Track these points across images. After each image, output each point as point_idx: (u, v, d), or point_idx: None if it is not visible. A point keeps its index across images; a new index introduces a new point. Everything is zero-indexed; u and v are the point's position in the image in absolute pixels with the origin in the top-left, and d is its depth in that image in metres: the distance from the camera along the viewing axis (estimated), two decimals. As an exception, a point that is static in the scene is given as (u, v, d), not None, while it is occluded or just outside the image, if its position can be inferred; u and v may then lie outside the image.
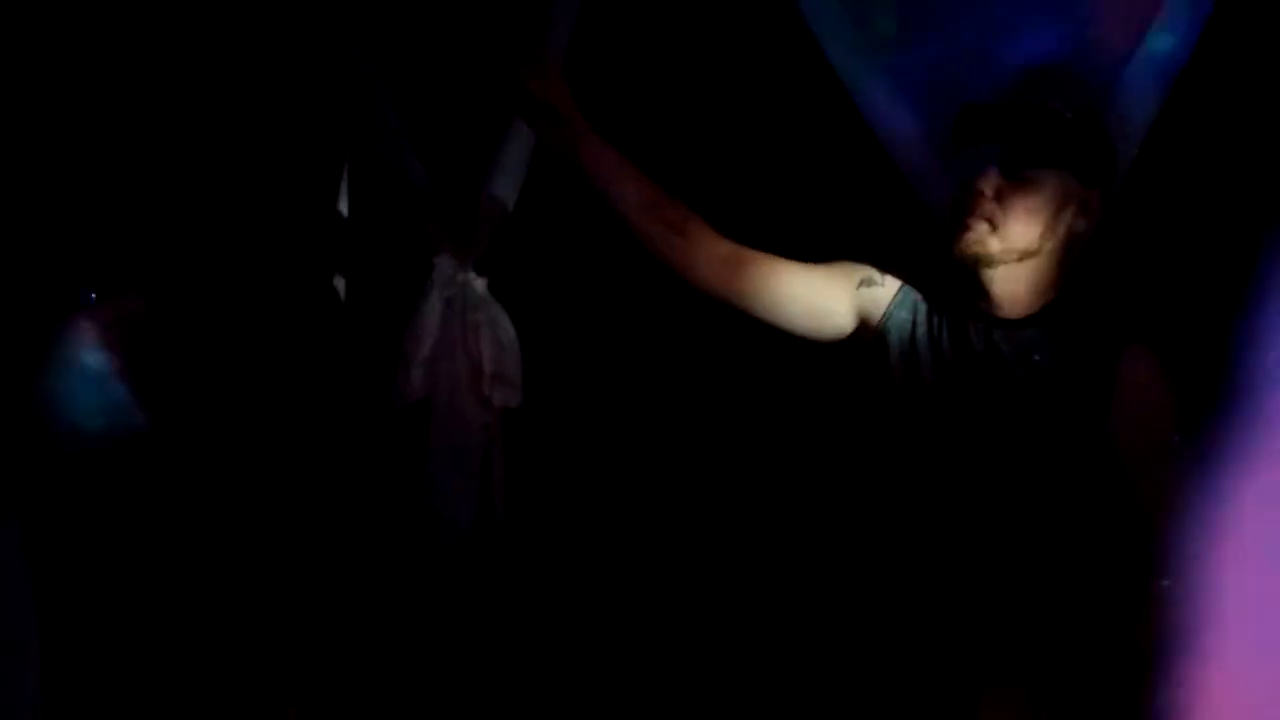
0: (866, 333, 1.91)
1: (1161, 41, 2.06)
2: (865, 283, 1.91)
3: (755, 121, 2.73)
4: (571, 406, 2.96)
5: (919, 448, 1.86)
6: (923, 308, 1.89)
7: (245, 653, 2.66)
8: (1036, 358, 1.78)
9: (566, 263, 2.96)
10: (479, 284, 2.92)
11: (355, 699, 2.75)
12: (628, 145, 2.07)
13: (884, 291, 1.91)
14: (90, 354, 1.94)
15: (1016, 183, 1.72)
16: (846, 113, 2.27)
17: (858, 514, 2.13)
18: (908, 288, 1.93)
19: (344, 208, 3.10)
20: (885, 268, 1.95)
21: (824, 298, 1.90)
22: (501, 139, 2.80)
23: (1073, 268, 1.86)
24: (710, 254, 1.91)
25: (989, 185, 1.72)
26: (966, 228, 1.74)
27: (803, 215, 2.60)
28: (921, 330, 1.87)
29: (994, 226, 1.73)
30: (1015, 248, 1.73)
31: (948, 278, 1.88)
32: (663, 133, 2.72)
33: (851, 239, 2.29)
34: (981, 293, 1.83)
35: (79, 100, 2.56)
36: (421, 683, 2.81)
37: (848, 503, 2.28)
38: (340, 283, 3.09)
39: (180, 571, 2.66)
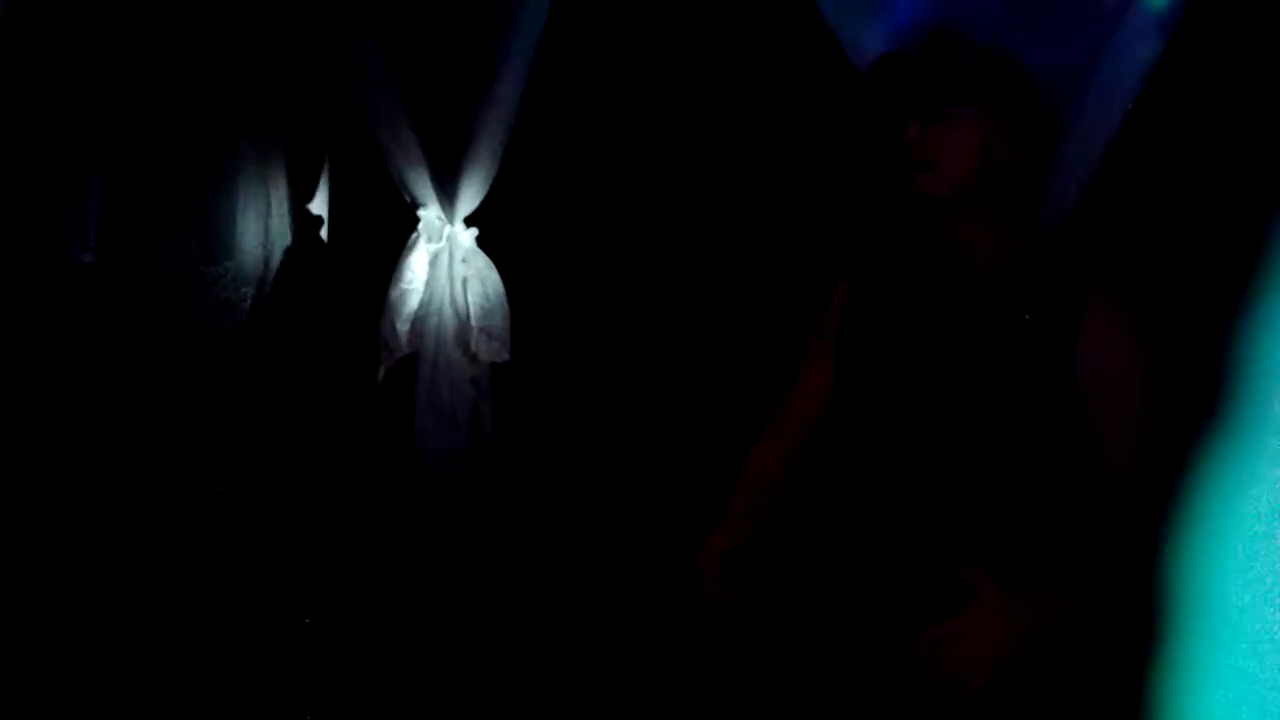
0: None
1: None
2: (819, 323, 1.97)
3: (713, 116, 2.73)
4: (560, 362, 2.95)
5: (881, 408, 1.86)
6: (879, 289, 1.90)
7: (212, 608, 2.66)
8: (1002, 310, 1.78)
9: (555, 216, 2.94)
10: (467, 236, 2.90)
11: (333, 659, 2.76)
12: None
13: (833, 307, 1.96)
14: None
15: (938, 122, 1.75)
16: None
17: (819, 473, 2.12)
18: (855, 283, 1.95)
19: (329, 158, 3.06)
20: (826, 278, 1.99)
21: (827, 370, 1.97)
22: (489, 91, 2.77)
23: (1028, 211, 1.87)
24: (796, 445, 2.00)
25: (914, 132, 1.75)
26: (909, 177, 1.77)
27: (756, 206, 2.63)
28: (880, 309, 1.88)
29: (932, 167, 1.75)
30: (957, 181, 1.76)
31: (908, 247, 1.89)
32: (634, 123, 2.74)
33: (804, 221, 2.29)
34: (943, 249, 1.83)
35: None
36: (407, 639, 2.81)
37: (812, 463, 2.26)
38: (325, 234, 3.06)
39: (157, 528, 2.65)
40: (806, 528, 1.93)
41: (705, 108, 2.75)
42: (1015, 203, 1.81)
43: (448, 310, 2.90)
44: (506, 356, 2.90)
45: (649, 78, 2.79)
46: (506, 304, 2.90)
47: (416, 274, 2.92)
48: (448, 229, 2.90)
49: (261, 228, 2.78)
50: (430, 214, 2.91)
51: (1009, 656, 1.58)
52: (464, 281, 2.89)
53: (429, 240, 2.91)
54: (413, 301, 2.92)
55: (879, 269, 1.93)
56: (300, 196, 2.91)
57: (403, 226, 2.93)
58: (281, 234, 2.84)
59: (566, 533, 2.91)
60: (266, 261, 2.79)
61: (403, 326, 2.91)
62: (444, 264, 2.90)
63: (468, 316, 2.89)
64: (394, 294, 2.92)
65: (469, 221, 2.89)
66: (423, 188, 2.90)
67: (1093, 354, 1.70)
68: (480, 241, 2.90)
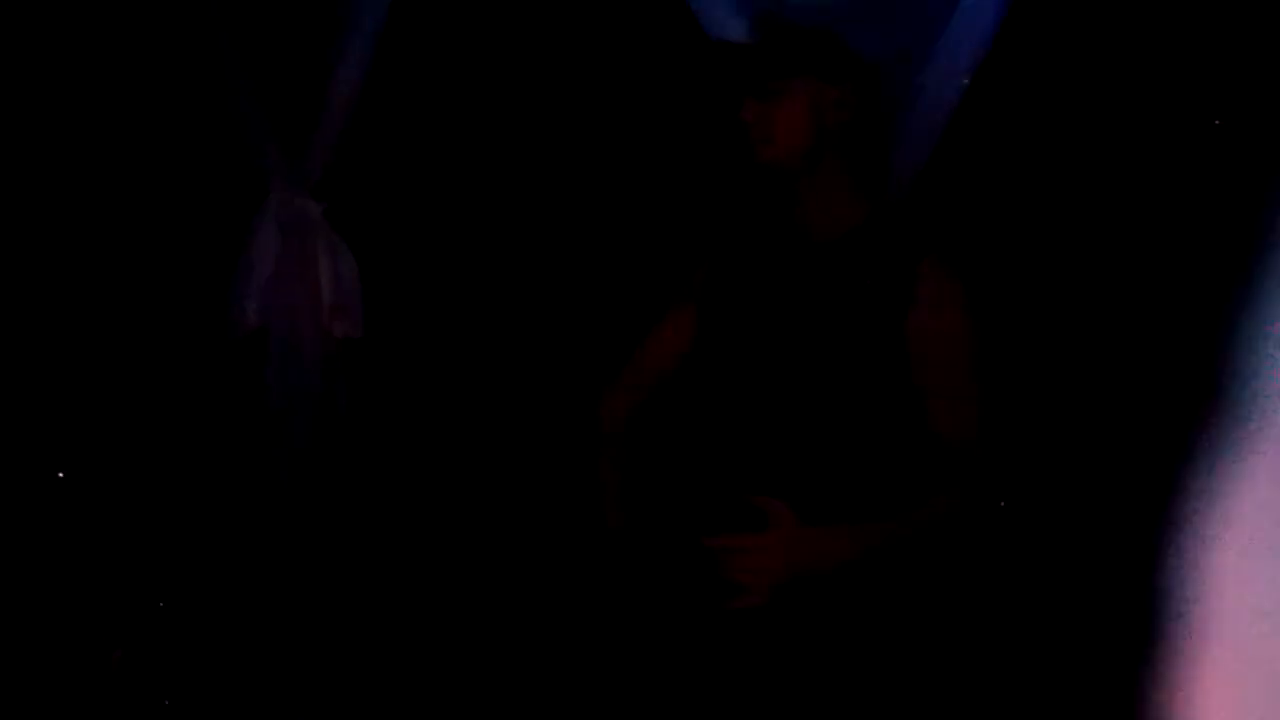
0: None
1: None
2: (685, 287, 2.07)
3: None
4: (415, 336, 2.92)
5: (731, 371, 1.94)
6: (733, 257, 1.99)
7: (68, 594, 2.58)
8: (841, 278, 1.87)
9: (407, 187, 2.90)
10: (316, 210, 2.83)
11: (188, 640, 2.70)
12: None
13: (698, 276, 2.06)
14: None
15: (769, 99, 1.89)
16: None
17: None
18: (716, 254, 2.02)
19: (174, 128, 2.96)
20: (695, 248, 2.06)
21: (687, 329, 2.06)
22: (337, 57, 2.71)
23: (873, 181, 1.96)
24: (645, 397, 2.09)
25: (750, 111, 1.90)
26: (753, 151, 1.91)
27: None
28: (735, 280, 1.96)
29: (771, 139, 1.89)
30: (794, 148, 1.89)
31: (760, 220, 1.97)
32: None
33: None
34: (790, 222, 1.91)
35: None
36: (259, 621, 2.77)
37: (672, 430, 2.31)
38: (171, 207, 2.96)
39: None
40: (670, 468, 2.07)
41: (569, 80, 2.74)
42: (857, 169, 1.92)
43: (298, 286, 2.83)
44: (359, 332, 2.85)
45: (509, 47, 2.77)
46: (359, 279, 2.85)
47: (265, 247, 2.85)
48: (297, 200, 2.83)
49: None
50: (279, 185, 2.84)
51: (792, 578, 1.77)
52: (314, 256, 2.83)
53: (278, 212, 2.84)
54: (261, 276, 2.85)
55: (736, 241, 2.00)
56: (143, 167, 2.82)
57: (251, 198, 2.85)
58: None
59: (424, 509, 2.89)
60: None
61: (250, 302, 2.84)
62: (294, 238, 2.84)
63: (319, 291, 2.83)
64: (241, 268, 2.85)
65: (319, 194, 2.83)
66: (271, 157, 2.83)
67: (922, 318, 1.83)
68: (330, 214, 2.84)
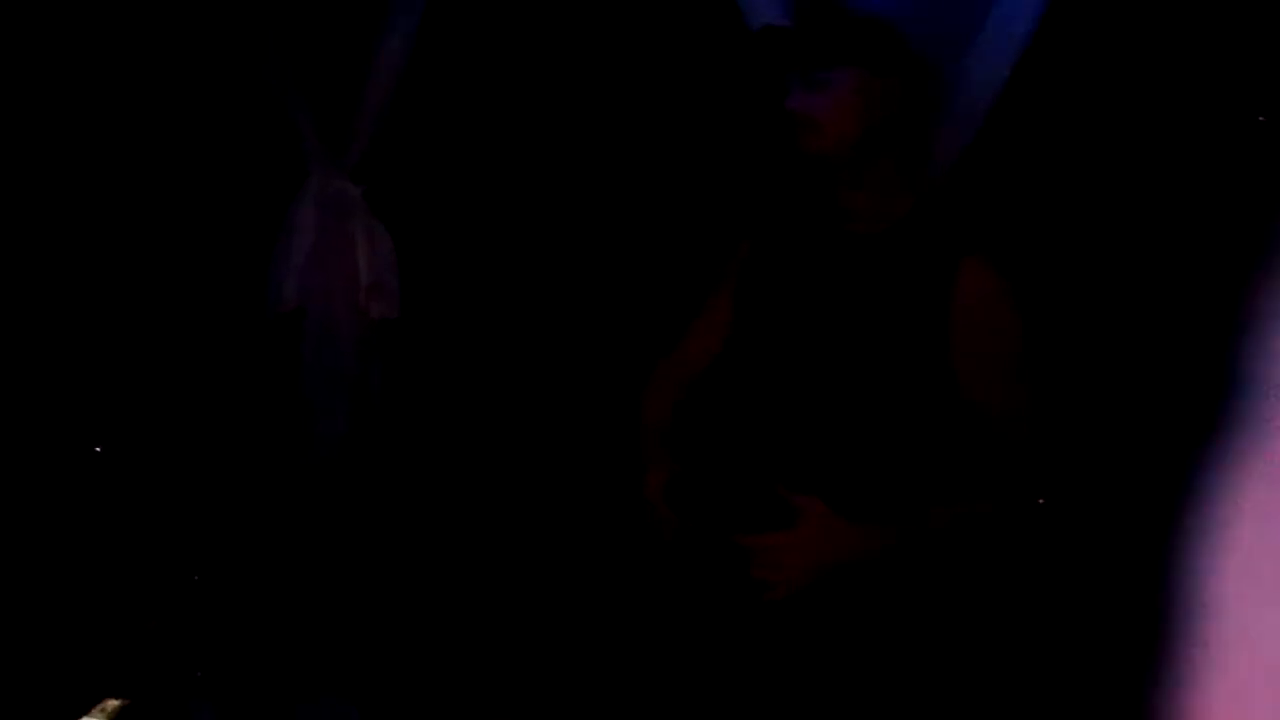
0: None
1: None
2: (725, 272, 2.05)
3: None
4: (450, 317, 2.93)
5: (767, 360, 1.92)
6: (773, 246, 1.97)
7: (106, 566, 2.62)
8: (882, 273, 1.85)
9: (444, 171, 2.90)
10: (355, 192, 2.85)
11: (225, 613, 2.73)
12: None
13: (736, 260, 2.04)
14: None
15: (817, 88, 1.85)
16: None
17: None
18: (755, 241, 2.00)
19: (218, 111, 2.99)
20: (734, 233, 2.04)
21: (725, 315, 2.05)
22: (378, 44, 2.72)
23: (916, 174, 1.93)
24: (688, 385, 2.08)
25: (798, 101, 1.85)
26: (798, 140, 1.87)
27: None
28: (775, 268, 1.94)
29: (818, 128, 1.85)
30: (840, 138, 1.85)
31: (802, 210, 1.95)
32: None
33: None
34: (834, 209, 1.89)
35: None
36: (293, 597, 2.79)
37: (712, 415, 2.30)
38: (212, 188, 2.99)
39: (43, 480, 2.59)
40: (700, 454, 2.01)
41: (609, 65, 2.73)
42: (901, 163, 1.88)
43: (335, 266, 2.85)
44: (395, 313, 2.86)
45: (547, 35, 2.76)
46: (395, 260, 2.86)
47: (304, 228, 2.87)
48: (336, 182, 2.85)
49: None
50: (319, 167, 2.85)
51: (823, 572, 1.77)
52: (352, 237, 2.85)
53: (317, 193, 2.86)
54: (300, 256, 2.87)
55: (777, 229, 1.98)
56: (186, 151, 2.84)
57: (292, 179, 2.87)
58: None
59: (457, 490, 2.90)
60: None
61: (289, 281, 2.86)
62: (332, 219, 2.85)
63: (356, 272, 2.85)
64: (280, 248, 2.87)
65: (358, 176, 2.84)
66: (311, 140, 2.84)
67: (963, 313, 1.79)
68: (369, 196, 2.86)
